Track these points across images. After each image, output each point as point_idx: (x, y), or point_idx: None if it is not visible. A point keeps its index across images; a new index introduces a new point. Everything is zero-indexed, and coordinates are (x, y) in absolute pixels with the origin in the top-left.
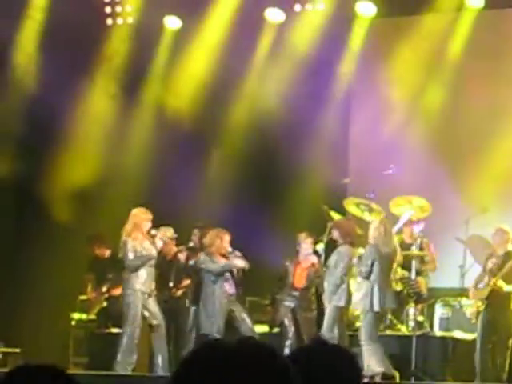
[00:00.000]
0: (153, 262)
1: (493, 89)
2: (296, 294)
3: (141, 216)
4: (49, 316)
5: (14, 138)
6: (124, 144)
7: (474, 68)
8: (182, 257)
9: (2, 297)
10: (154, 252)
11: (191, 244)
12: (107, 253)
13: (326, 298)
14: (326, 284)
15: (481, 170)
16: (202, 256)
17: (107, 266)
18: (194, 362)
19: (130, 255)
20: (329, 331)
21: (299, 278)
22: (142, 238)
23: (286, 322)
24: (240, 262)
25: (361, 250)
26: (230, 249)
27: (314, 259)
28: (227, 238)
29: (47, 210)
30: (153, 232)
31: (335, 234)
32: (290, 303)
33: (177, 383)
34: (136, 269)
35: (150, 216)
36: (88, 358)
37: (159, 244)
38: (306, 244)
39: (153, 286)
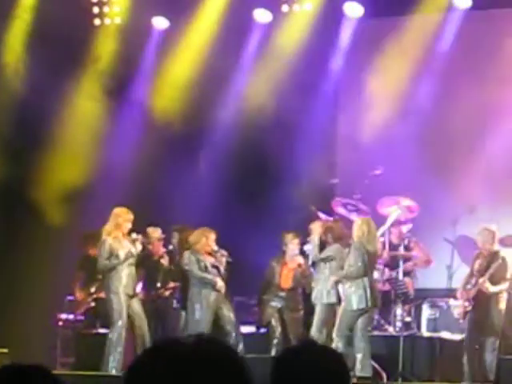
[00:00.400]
0: (132, 260)
1: (482, 88)
2: (283, 294)
3: (122, 216)
4: (36, 316)
5: (2, 139)
6: (112, 145)
7: (463, 68)
8: (164, 262)
9: None
10: (133, 251)
11: (170, 247)
12: None
13: (315, 297)
14: (314, 284)
15: (469, 169)
16: (186, 255)
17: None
18: (140, 368)
19: (105, 255)
20: (318, 332)
21: (286, 279)
22: (122, 237)
23: (273, 322)
24: (220, 283)
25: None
26: (215, 247)
27: (301, 260)
28: (213, 236)
29: (35, 211)
30: (134, 236)
31: (328, 237)
32: (276, 303)
33: None
34: (109, 270)
35: (131, 216)
36: (75, 359)
37: (139, 247)
38: (292, 245)
39: (135, 286)
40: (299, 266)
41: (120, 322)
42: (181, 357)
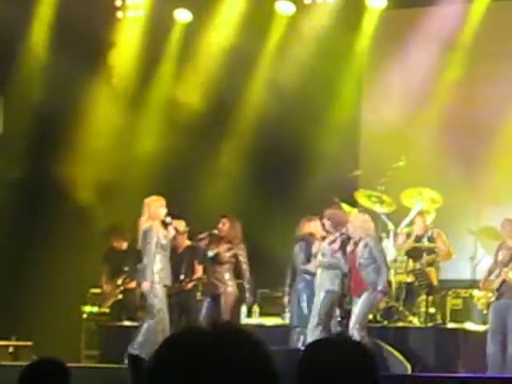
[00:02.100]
0: (168, 251)
1: (505, 78)
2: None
3: (153, 204)
4: (60, 309)
5: (27, 135)
6: (137, 137)
7: (486, 57)
8: (202, 244)
9: (14, 290)
10: (169, 239)
11: (215, 231)
12: (124, 245)
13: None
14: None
15: (493, 160)
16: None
17: (124, 258)
18: (162, 357)
19: (140, 244)
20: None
21: None
22: (158, 225)
23: None
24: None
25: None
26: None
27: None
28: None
29: (61, 204)
30: (168, 220)
31: (327, 224)
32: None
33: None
34: (154, 257)
35: (162, 202)
36: (100, 351)
37: (172, 233)
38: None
39: (169, 276)
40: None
41: (158, 314)
42: (202, 346)
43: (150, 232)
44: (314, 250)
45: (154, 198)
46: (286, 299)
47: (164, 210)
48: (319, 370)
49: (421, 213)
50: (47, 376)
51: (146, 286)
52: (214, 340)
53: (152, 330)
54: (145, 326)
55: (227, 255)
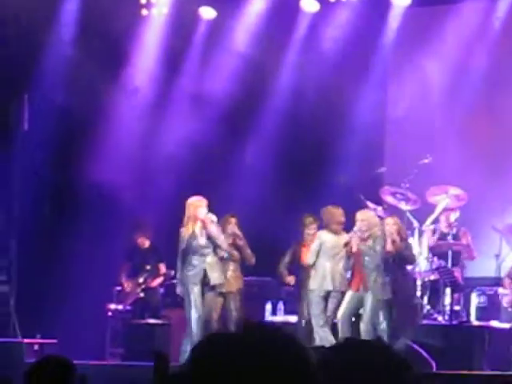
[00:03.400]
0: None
1: None
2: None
3: (192, 205)
4: (85, 306)
5: (53, 132)
6: (162, 134)
7: None
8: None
9: (39, 287)
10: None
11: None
12: (147, 243)
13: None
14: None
15: None
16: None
17: (146, 256)
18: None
19: (182, 245)
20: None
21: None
22: (190, 228)
23: None
24: None
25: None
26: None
27: None
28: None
29: (85, 198)
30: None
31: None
32: None
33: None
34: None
35: (200, 202)
36: (124, 349)
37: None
38: (309, 229)
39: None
40: None
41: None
42: (243, 345)
43: (180, 237)
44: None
45: (193, 198)
46: None
47: (203, 210)
48: (349, 371)
49: (445, 210)
50: (51, 373)
51: (178, 290)
52: (246, 342)
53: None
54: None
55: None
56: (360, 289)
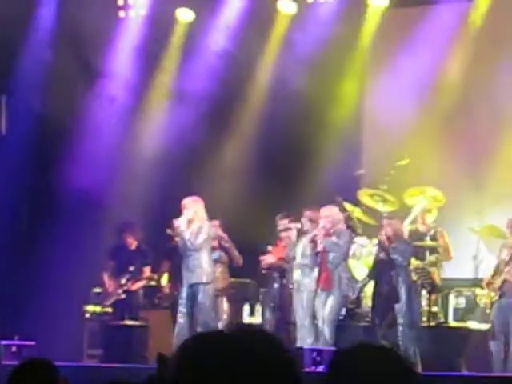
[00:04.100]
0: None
1: (510, 76)
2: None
3: (198, 203)
4: (63, 308)
5: (31, 135)
6: (138, 135)
7: (490, 55)
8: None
9: (17, 290)
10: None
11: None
12: (134, 244)
13: None
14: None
15: (496, 158)
16: None
17: (131, 257)
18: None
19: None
20: None
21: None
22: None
23: None
24: None
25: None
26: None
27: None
28: None
29: (62, 202)
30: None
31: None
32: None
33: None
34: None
35: (196, 204)
36: (103, 350)
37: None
38: (280, 226)
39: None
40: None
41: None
42: (225, 346)
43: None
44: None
45: (194, 198)
46: None
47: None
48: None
49: (422, 211)
50: (34, 376)
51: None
52: (232, 343)
53: None
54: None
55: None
56: (326, 285)
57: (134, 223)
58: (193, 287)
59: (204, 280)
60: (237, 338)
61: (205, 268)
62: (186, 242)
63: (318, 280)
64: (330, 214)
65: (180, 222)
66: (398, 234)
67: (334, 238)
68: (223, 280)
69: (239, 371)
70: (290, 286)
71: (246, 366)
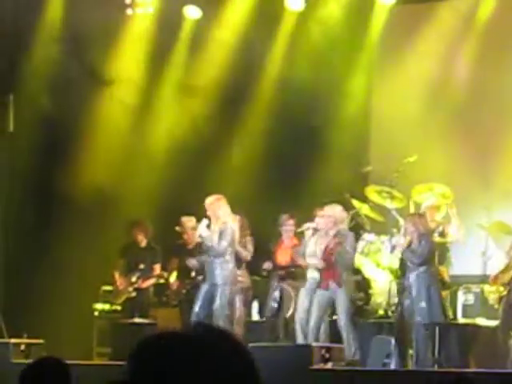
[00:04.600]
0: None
1: None
2: (281, 272)
3: (219, 203)
4: (72, 306)
5: (39, 133)
6: (147, 132)
7: (499, 48)
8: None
9: (26, 288)
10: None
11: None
12: (144, 242)
13: None
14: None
15: (504, 153)
16: None
17: (141, 254)
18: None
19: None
20: None
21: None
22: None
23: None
24: None
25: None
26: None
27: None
28: None
29: (71, 200)
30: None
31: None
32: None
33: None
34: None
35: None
36: (112, 349)
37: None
38: (286, 226)
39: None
40: (295, 245)
41: None
42: (180, 344)
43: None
44: None
45: (215, 197)
46: None
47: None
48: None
49: (431, 208)
50: (47, 375)
51: None
52: (190, 342)
53: None
54: None
55: None
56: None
57: (143, 221)
58: (212, 287)
59: (224, 281)
60: (197, 338)
61: (228, 270)
62: (209, 248)
63: (327, 278)
64: (332, 213)
65: (201, 230)
66: (425, 230)
67: (337, 239)
68: (245, 279)
69: (199, 371)
70: (297, 285)
71: (205, 366)
